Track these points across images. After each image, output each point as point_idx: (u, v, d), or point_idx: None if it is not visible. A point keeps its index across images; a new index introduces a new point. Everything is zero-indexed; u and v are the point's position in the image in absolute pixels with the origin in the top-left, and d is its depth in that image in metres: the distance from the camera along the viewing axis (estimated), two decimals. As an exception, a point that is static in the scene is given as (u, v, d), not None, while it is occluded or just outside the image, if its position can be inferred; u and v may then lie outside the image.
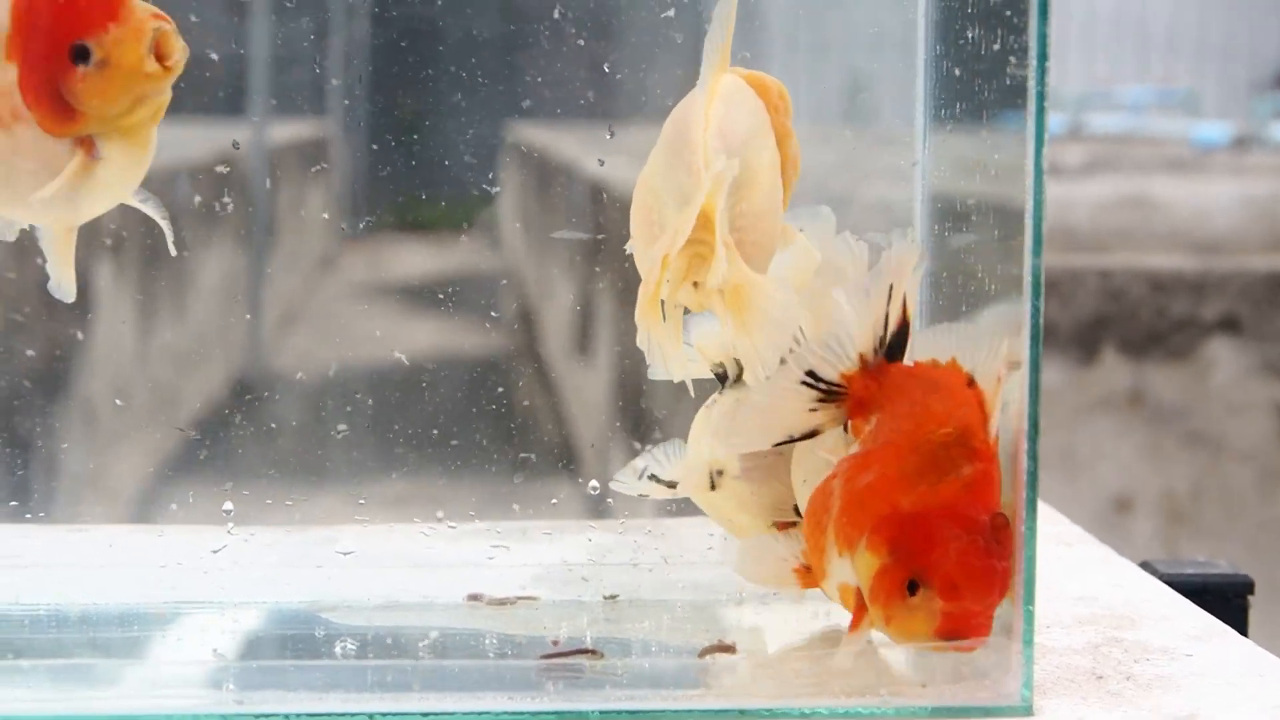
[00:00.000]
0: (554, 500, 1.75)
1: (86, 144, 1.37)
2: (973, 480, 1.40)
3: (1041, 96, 1.43)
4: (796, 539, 1.51)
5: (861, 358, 1.46)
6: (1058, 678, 1.52)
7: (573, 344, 2.23)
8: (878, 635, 1.48)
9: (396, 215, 1.98)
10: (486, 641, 1.61)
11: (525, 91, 1.89)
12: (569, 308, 2.13)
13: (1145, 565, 1.92)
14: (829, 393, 1.46)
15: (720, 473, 1.61)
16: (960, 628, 1.39)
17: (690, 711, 1.43)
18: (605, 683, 1.50)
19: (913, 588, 1.38)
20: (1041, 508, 1.46)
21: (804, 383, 1.45)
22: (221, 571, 1.68)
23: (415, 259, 2.04)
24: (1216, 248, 5.40)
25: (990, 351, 1.43)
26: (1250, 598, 1.90)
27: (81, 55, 1.34)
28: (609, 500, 1.80)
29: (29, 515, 1.80)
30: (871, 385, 1.46)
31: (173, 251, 1.48)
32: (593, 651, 1.54)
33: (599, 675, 1.51)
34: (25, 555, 1.80)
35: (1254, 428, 4.87)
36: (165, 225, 1.47)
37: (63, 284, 1.48)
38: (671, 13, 1.64)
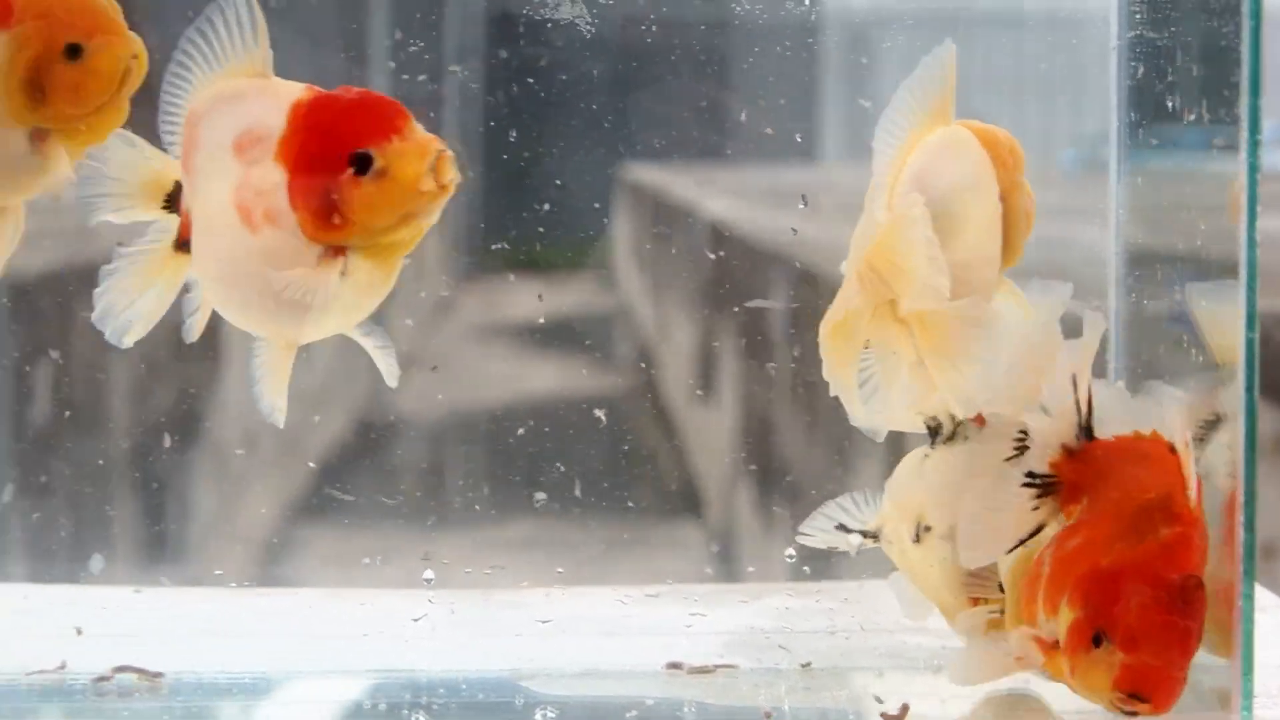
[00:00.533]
0: (750, 568, 1.75)
1: (339, 255, 1.38)
2: (1170, 542, 1.41)
3: (1254, 170, 1.42)
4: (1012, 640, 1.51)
5: (1064, 446, 1.48)
6: (1273, 751, 1.50)
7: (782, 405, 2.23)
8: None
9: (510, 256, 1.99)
10: (686, 711, 1.61)
11: (642, 132, 1.90)
12: (754, 373, 2.13)
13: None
14: (1044, 487, 1.47)
15: (927, 528, 1.61)
16: (1138, 683, 1.37)
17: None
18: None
19: (1098, 640, 1.38)
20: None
21: (1025, 484, 1.47)
22: (422, 640, 1.70)
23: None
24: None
25: (1177, 421, 1.45)
26: None
27: (363, 163, 1.34)
28: (805, 568, 1.80)
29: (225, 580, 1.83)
30: (1079, 468, 1.47)
31: (390, 383, 1.47)
32: None
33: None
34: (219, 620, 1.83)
35: (1402, 472, 4.79)
36: (385, 361, 1.46)
37: (276, 408, 1.47)
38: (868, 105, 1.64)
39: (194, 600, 1.88)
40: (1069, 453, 1.47)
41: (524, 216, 1.87)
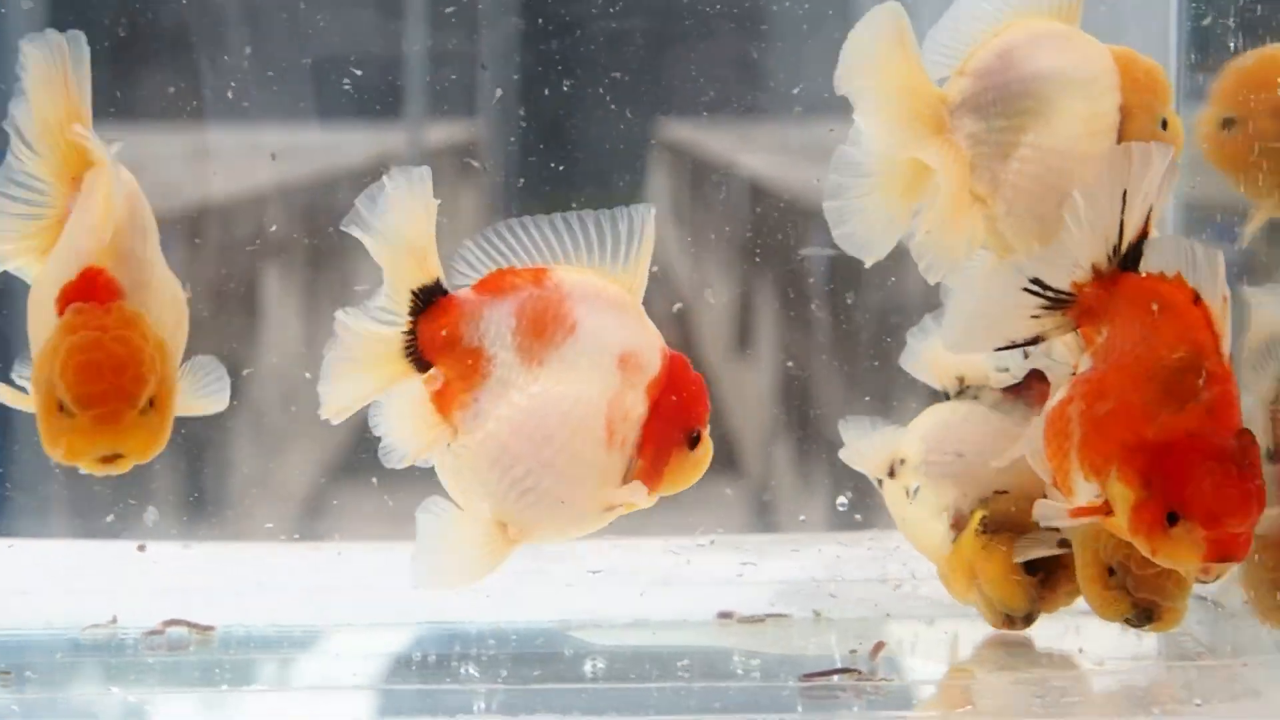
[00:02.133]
0: (802, 516, 1.74)
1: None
2: (1213, 404, 1.38)
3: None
4: None
5: (1094, 266, 1.43)
6: (1327, 695, 1.48)
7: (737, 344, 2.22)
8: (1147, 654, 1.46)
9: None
10: (736, 660, 1.60)
11: (676, 89, 1.89)
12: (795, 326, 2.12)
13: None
14: (1055, 301, 1.43)
15: (902, 461, 1.61)
16: (1225, 551, 1.36)
17: (958, 731, 1.41)
18: (860, 703, 1.49)
19: (1172, 519, 1.36)
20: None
21: (1026, 289, 1.43)
22: (471, 591, 1.69)
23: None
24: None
25: (1210, 269, 1.40)
26: None
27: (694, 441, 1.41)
28: (857, 516, 1.80)
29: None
30: (1103, 295, 1.43)
31: None
32: (856, 671, 1.53)
33: (857, 695, 1.50)
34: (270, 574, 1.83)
35: None
36: None
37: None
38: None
39: (242, 555, 1.88)
40: (1098, 274, 1.43)
41: (560, 172, 1.86)
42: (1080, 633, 1.60)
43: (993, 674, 1.54)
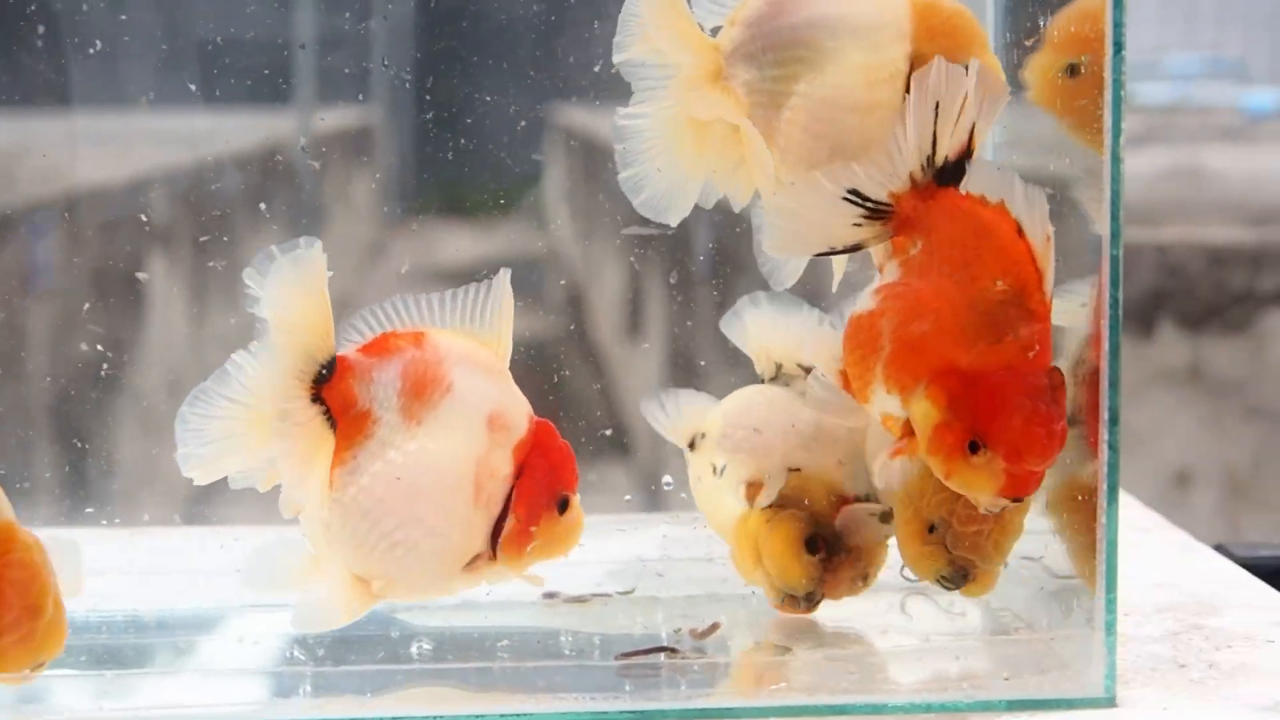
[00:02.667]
0: (627, 496, 1.74)
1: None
2: (1030, 341, 1.40)
3: (1118, 86, 1.42)
4: None
5: (911, 176, 1.43)
6: (1139, 667, 1.51)
7: (627, 329, 2.22)
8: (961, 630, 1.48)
9: (442, 200, 1.98)
10: (563, 640, 1.61)
11: (569, 73, 1.88)
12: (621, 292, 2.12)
13: (1220, 548, 1.90)
14: (874, 211, 1.44)
15: (703, 435, 1.61)
16: (1020, 487, 1.39)
17: (771, 708, 1.42)
18: (682, 681, 1.50)
19: (974, 447, 1.38)
20: (1117, 492, 1.46)
21: (845, 199, 1.43)
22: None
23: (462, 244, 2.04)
24: (1271, 218, 5.35)
25: (1036, 208, 1.42)
26: (1328, 577, 1.88)
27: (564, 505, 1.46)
28: (683, 495, 1.80)
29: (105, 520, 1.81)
30: (920, 207, 1.43)
31: None
32: (671, 649, 1.54)
33: (676, 673, 1.50)
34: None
35: (1314, 400, 4.83)
36: None
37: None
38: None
39: (124, 541, 1.86)
40: (914, 184, 1.43)
41: (452, 160, 1.85)
42: (906, 610, 1.61)
43: (810, 651, 1.55)
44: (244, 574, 1.50)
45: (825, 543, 1.55)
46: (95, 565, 1.76)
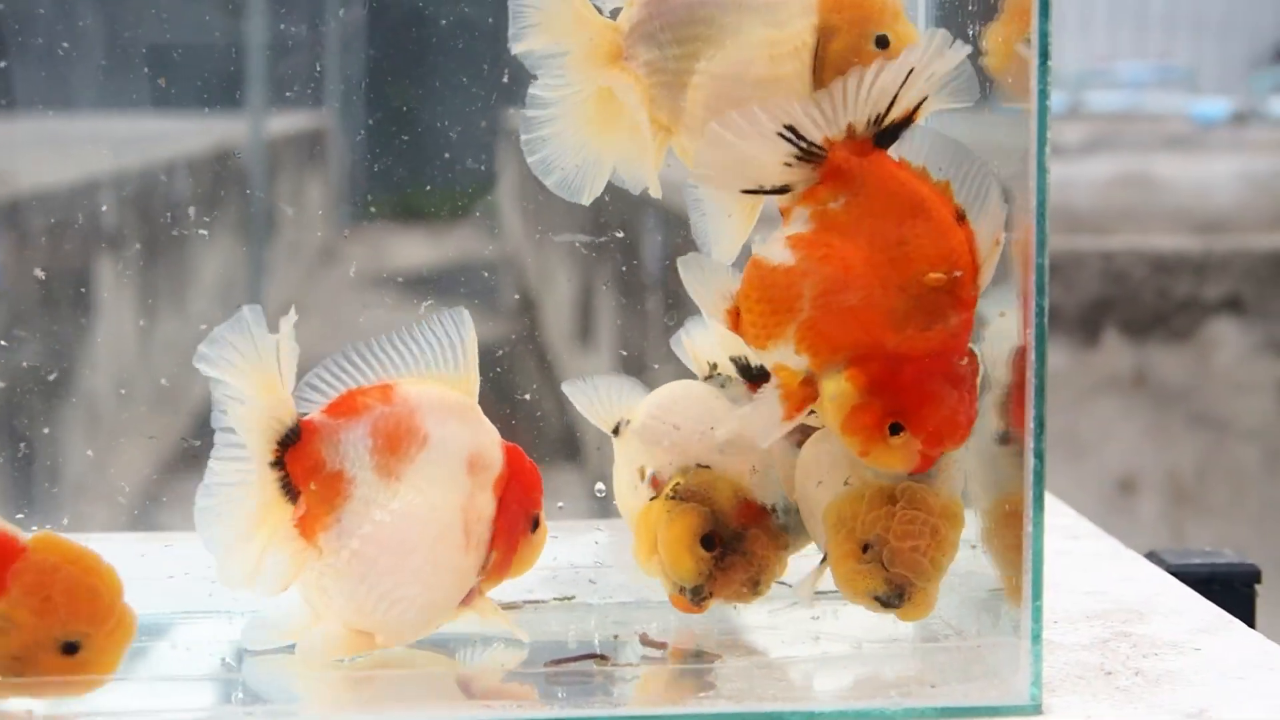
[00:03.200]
0: (560, 504, 1.74)
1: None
2: (957, 329, 1.42)
3: (1044, 95, 1.43)
4: None
5: (850, 127, 1.42)
6: (1066, 674, 1.51)
7: (576, 333, 2.22)
8: (890, 637, 1.48)
9: (395, 205, 1.98)
10: (496, 646, 1.60)
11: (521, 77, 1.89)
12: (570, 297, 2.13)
13: (1152, 556, 1.91)
14: (808, 153, 1.42)
15: (627, 422, 1.62)
16: (925, 467, 1.45)
17: (699, 715, 1.42)
18: (613, 688, 1.50)
19: (895, 429, 1.41)
20: (1048, 499, 1.47)
21: (781, 134, 1.42)
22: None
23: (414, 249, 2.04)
24: (1218, 225, 5.39)
25: (987, 201, 1.43)
26: (1258, 586, 1.90)
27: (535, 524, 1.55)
28: (615, 501, 1.80)
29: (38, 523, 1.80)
30: (852, 160, 1.42)
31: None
32: (601, 656, 1.54)
33: (607, 680, 1.51)
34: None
35: (1258, 407, 4.87)
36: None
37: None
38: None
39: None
40: (851, 135, 1.42)
41: (407, 164, 1.85)
42: (837, 617, 1.62)
43: (740, 659, 1.55)
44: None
45: (721, 541, 1.55)
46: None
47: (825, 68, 1.44)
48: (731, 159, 1.43)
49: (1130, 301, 4.76)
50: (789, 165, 1.43)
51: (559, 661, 1.53)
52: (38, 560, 1.37)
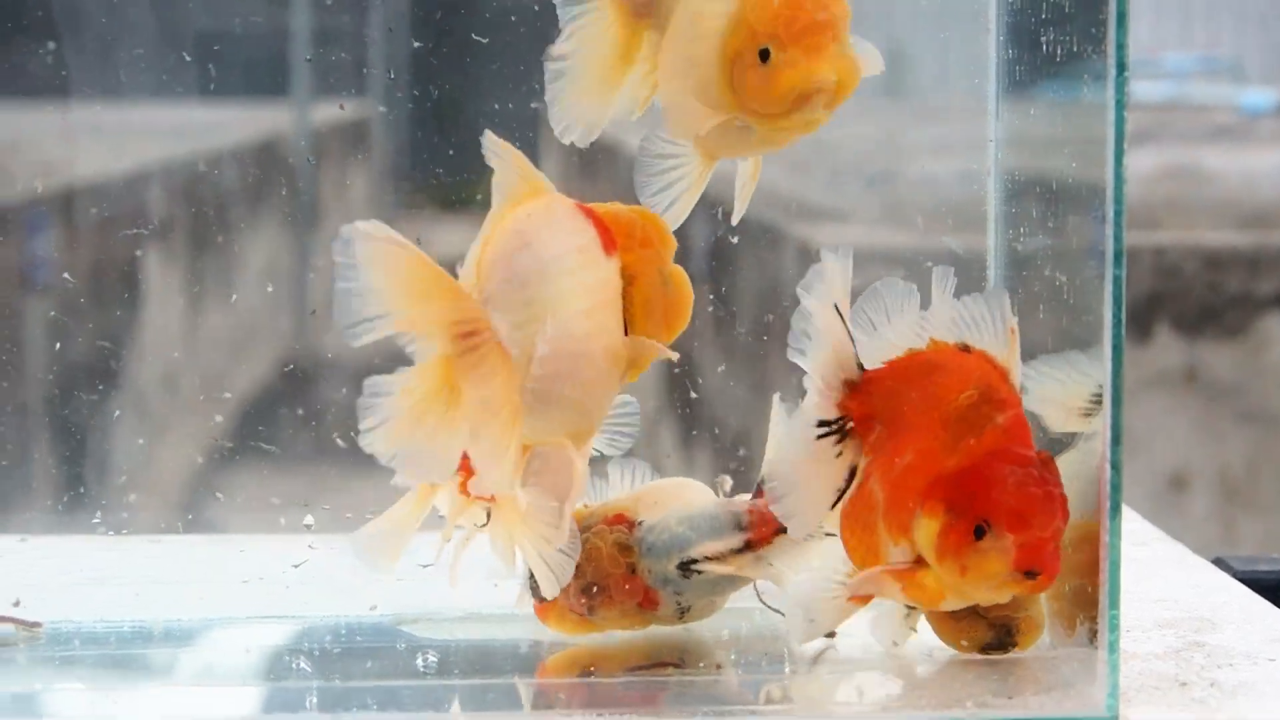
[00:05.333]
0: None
1: None
2: (1009, 426, 1.41)
3: (1120, 105, 1.43)
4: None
5: (846, 382, 1.47)
6: (1141, 685, 1.51)
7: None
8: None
9: (438, 194, 1.98)
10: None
11: None
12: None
13: (1218, 562, 1.91)
14: (840, 430, 1.47)
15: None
16: (1034, 559, 1.38)
17: (772, 726, 1.43)
18: (684, 698, 1.50)
19: (979, 532, 1.38)
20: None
21: (821, 436, 1.47)
22: (303, 586, 1.69)
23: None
24: (1266, 217, 5.36)
25: (985, 314, 1.45)
26: (1326, 593, 1.89)
27: None
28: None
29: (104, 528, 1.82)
30: (864, 399, 1.47)
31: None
32: (675, 665, 1.54)
33: (680, 689, 1.51)
34: (107, 568, 1.82)
35: (1310, 403, 4.85)
36: None
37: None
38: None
39: (76, 548, 1.87)
40: (851, 387, 1.47)
41: (450, 154, 1.86)
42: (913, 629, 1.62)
43: (814, 670, 1.56)
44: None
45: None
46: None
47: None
48: (810, 498, 1.47)
49: (1181, 297, 4.75)
50: (840, 453, 1.47)
51: (640, 668, 1.53)
52: None
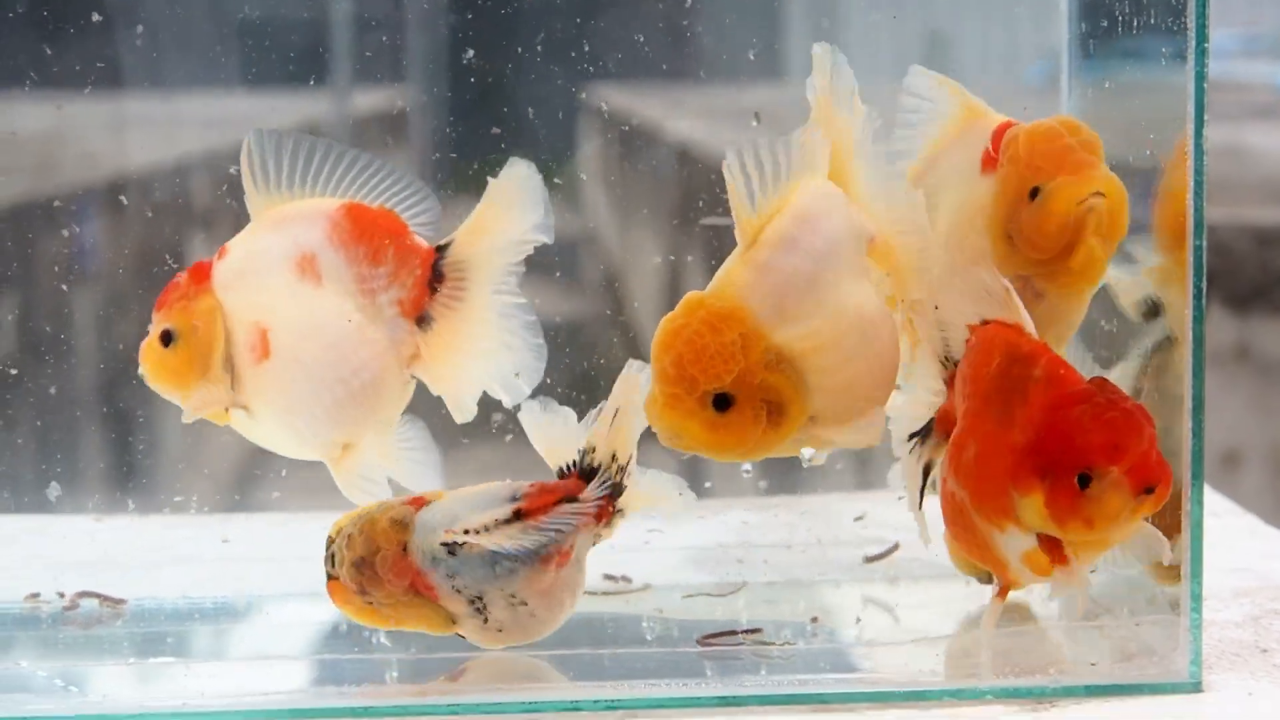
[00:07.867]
0: (708, 483, 1.76)
1: None
2: (1047, 373, 1.38)
3: (1200, 77, 1.43)
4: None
5: (945, 382, 1.50)
6: (1222, 651, 1.52)
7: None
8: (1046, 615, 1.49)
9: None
10: (645, 626, 1.62)
11: (606, 54, 1.90)
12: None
13: (1292, 533, 1.91)
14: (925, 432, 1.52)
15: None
16: (1145, 474, 1.34)
17: (859, 695, 1.43)
18: (763, 666, 1.51)
19: (1084, 481, 1.34)
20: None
21: (913, 450, 1.52)
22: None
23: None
24: (1313, 196, 5.33)
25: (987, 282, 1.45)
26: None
27: None
28: (761, 483, 1.81)
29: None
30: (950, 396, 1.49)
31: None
32: (754, 631, 1.55)
33: (759, 659, 1.51)
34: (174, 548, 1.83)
35: (1361, 379, 4.82)
36: None
37: None
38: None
39: (155, 527, 1.88)
40: (948, 385, 1.49)
41: (491, 138, 1.86)
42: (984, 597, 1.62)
43: (894, 637, 1.57)
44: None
45: None
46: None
47: None
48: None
49: (1232, 275, 4.72)
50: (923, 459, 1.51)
51: (712, 637, 1.54)
52: None
